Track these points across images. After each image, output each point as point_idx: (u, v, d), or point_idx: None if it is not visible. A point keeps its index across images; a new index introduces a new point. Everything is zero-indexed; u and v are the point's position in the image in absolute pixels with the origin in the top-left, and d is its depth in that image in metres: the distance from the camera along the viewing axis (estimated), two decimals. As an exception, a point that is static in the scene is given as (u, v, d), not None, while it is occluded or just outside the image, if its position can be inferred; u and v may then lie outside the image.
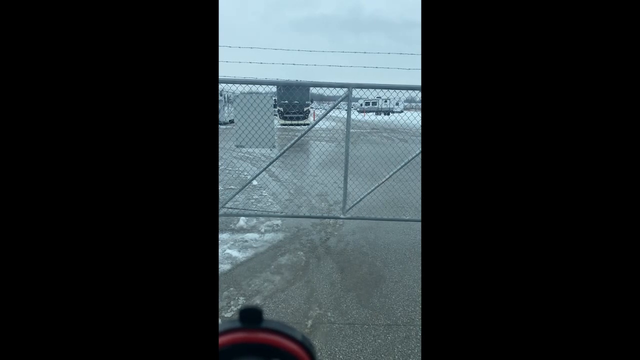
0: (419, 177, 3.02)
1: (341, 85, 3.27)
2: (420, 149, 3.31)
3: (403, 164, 3.49)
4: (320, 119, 3.55)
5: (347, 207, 3.59)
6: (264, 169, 3.66)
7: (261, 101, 3.35)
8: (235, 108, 3.39)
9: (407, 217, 3.73)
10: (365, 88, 3.30)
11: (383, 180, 3.53)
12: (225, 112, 16.88)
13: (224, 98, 16.74)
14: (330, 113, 3.68)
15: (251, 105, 3.35)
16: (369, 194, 3.61)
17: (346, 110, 3.36)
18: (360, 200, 3.63)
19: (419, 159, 3.29)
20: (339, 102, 3.41)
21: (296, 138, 3.49)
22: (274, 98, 3.52)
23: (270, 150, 3.76)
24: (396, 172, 3.48)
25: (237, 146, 3.47)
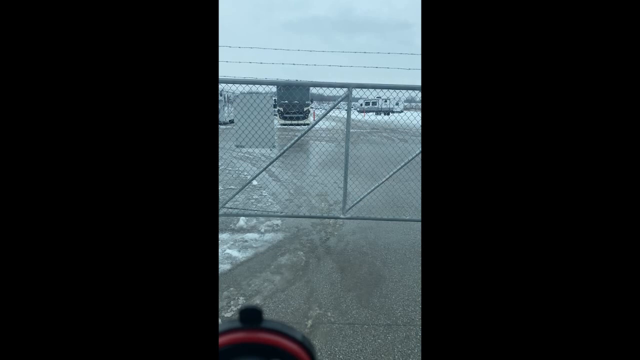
0: (419, 177, 3.01)
1: (341, 85, 3.27)
2: (420, 149, 3.31)
3: (403, 164, 3.49)
4: (320, 119, 3.54)
5: (347, 207, 3.59)
6: (264, 169, 3.66)
7: (261, 101, 3.35)
8: (235, 108, 3.39)
9: (407, 217, 3.73)
10: (365, 88, 3.30)
11: (383, 180, 3.53)
12: (225, 112, 16.87)
13: (224, 98, 16.74)
14: (331, 113, 3.68)
15: (251, 105, 3.34)
16: (368, 194, 3.61)
17: (346, 110, 3.36)
18: (360, 200, 3.63)
19: (418, 159, 3.29)
20: (338, 102, 3.40)
21: (296, 138, 3.49)
22: (274, 98, 3.51)
23: (270, 150, 3.76)
24: (396, 172, 3.48)
25: (237, 146, 3.47)
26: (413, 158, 3.45)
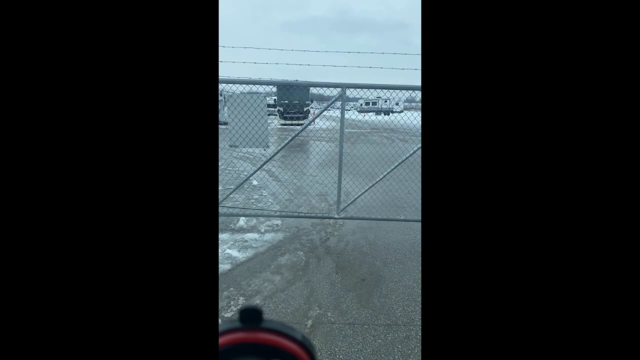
0: (419, 177, 3.00)
1: (335, 85, 3.26)
2: (418, 147, 3.32)
3: (399, 162, 3.49)
4: (313, 119, 3.58)
5: (342, 206, 3.59)
6: (260, 167, 3.65)
7: (255, 101, 3.34)
8: (229, 108, 3.38)
9: (407, 217, 3.73)
10: (359, 88, 3.29)
11: (378, 179, 3.53)
12: (225, 112, 16.87)
13: (224, 98, 16.73)
14: (330, 113, 3.69)
15: (244, 105, 3.34)
16: (363, 193, 3.61)
17: (345, 110, 3.36)
18: (355, 199, 3.63)
19: (415, 157, 3.29)
20: (332, 102, 3.39)
21: (292, 137, 3.51)
22: (273, 98, 3.53)
23: (264, 150, 3.75)
24: (392, 170, 3.47)
25: (231, 146, 3.47)
26: (410, 155, 3.43)
